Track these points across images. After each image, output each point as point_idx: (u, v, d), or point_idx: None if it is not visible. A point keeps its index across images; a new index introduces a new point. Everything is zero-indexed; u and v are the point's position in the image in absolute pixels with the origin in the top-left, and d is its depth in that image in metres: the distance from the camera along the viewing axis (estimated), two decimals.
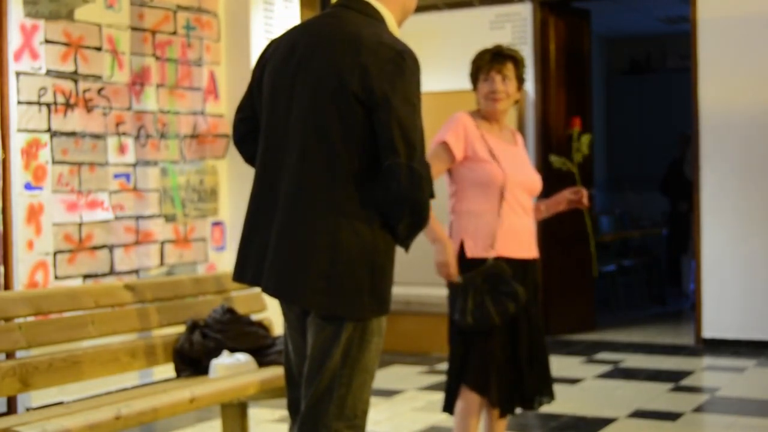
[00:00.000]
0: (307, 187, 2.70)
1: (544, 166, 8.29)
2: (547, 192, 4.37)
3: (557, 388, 6.25)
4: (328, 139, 2.68)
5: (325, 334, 2.73)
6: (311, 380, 2.75)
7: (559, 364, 7.07)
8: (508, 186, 3.82)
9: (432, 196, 2.71)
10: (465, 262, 3.80)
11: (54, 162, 5.30)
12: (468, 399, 3.85)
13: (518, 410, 4.04)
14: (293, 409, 2.93)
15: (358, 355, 2.73)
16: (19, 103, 5.13)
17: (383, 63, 2.64)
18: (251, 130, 2.95)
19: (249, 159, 3.01)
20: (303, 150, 2.72)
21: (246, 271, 2.82)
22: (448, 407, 3.95)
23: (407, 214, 2.66)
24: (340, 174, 2.67)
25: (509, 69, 3.90)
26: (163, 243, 5.98)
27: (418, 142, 2.64)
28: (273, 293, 2.77)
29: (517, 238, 3.86)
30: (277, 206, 2.76)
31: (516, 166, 3.88)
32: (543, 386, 3.96)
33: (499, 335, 3.81)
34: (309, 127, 2.71)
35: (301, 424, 2.79)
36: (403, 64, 2.65)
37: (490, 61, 3.89)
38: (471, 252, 3.81)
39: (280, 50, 2.85)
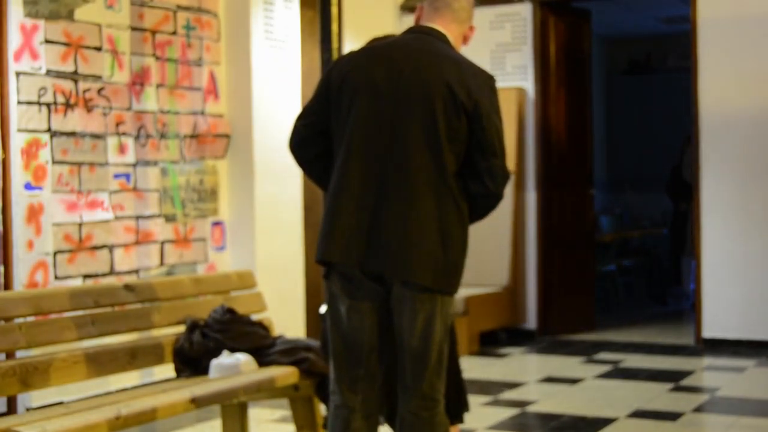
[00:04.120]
0: (417, 176, 3.12)
1: (544, 165, 8.30)
2: None
3: (557, 388, 6.28)
4: (437, 137, 3.11)
5: (426, 310, 3.12)
6: (419, 356, 3.14)
7: (559, 364, 7.07)
8: None
9: None
10: None
11: (54, 162, 5.30)
12: None
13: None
14: (360, 385, 3.22)
15: (450, 327, 3.33)
16: (19, 103, 5.13)
17: (483, 83, 3.19)
18: (312, 135, 3.27)
19: (304, 162, 3.33)
20: (413, 144, 3.13)
21: (351, 252, 3.13)
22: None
23: (491, 206, 3.21)
24: (444, 168, 3.12)
25: None
26: (163, 243, 5.99)
27: (504, 149, 3.21)
28: (385, 270, 3.12)
29: None
30: (384, 195, 3.13)
31: None
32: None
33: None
34: (419, 125, 3.13)
35: (420, 397, 3.16)
36: (494, 86, 3.23)
37: None
38: None
39: (370, 61, 3.23)
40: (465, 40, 3.39)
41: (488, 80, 3.23)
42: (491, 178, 3.15)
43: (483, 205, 3.21)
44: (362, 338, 3.18)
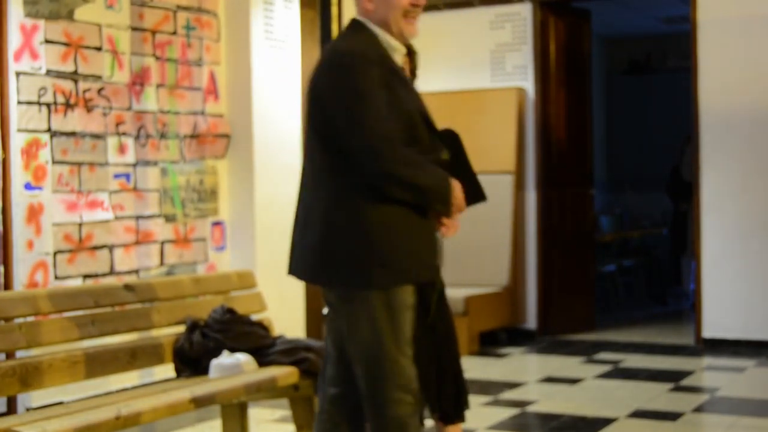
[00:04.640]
0: (304, 171, 3.19)
1: (544, 165, 8.30)
2: None
3: (557, 388, 6.28)
4: (308, 126, 3.14)
5: (345, 310, 3.17)
6: (353, 361, 3.21)
7: (559, 364, 7.07)
8: None
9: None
10: None
11: (54, 162, 5.30)
12: None
13: None
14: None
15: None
16: (19, 103, 5.13)
17: (325, 62, 3.06)
18: None
19: None
20: (306, 141, 3.17)
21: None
22: None
23: (376, 185, 3.06)
24: (314, 160, 3.12)
25: (405, 62, 3.79)
26: (163, 243, 5.99)
27: (356, 126, 3.00)
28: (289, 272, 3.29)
29: None
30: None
31: None
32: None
33: None
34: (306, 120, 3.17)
35: (365, 399, 3.21)
36: (336, 62, 3.02)
37: None
38: None
39: None
40: (406, 14, 3.12)
41: (330, 58, 3.07)
42: (353, 158, 3.00)
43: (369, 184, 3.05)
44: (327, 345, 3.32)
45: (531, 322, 8.29)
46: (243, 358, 4.35)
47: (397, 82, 3.07)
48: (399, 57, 3.17)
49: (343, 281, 3.08)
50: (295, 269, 3.21)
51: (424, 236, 3.13)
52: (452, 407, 3.75)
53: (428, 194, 3.06)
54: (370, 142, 2.95)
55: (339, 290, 3.13)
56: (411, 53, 3.78)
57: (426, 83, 6.64)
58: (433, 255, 3.17)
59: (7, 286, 5.04)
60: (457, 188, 3.12)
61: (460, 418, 3.83)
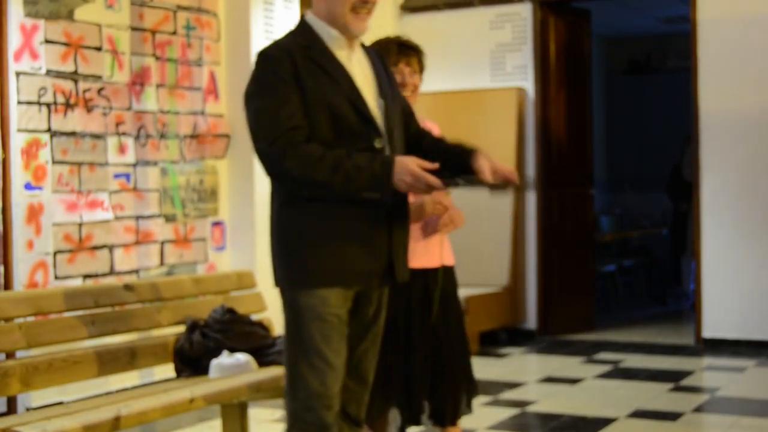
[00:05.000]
0: None
1: (544, 165, 8.30)
2: None
3: (557, 388, 6.28)
4: None
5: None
6: None
7: (559, 364, 7.07)
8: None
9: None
10: None
11: (54, 162, 5.30)
12: None
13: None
14: None
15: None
16: (19, 103, 5.13)
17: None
18: None
19: None
20: None
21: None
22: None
23: (286, 188, 3.00)
24: None
25: (415, 62, 3.76)
26: (163, 243, 5.99)
27: (261, 130, 2.93)
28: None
29: (416, 246, 3.60)
30: None
31: None
32: (452, 398, 3.73)
33: (388, 350, 3.49)
34: None
35: None
36: (257, 61, 2.96)
37: (398, 53, 3.68)
38: None
39: None
40: (354, 9, 2.98)
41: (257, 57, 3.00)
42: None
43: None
44: None
45: (531, 322, 8.29)
46: (243, 358, 4.35)
47: (321, 72, 2.94)
48: (340, 46, 3.02)
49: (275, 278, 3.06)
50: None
51: (351, 239, 2.95)
52: (448, 410, 3.73)
53: (335, 187, 2.86)
54: (262, 144, 2.90)
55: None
56: (418, 52, 3.79)
57: (426, 83, 6.60)
58: (358, 259, 2.96)
59: (7, 286, 5.04)
60: (404, 166, 2.86)
61: (452, 422, 3.78)
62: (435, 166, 2.89)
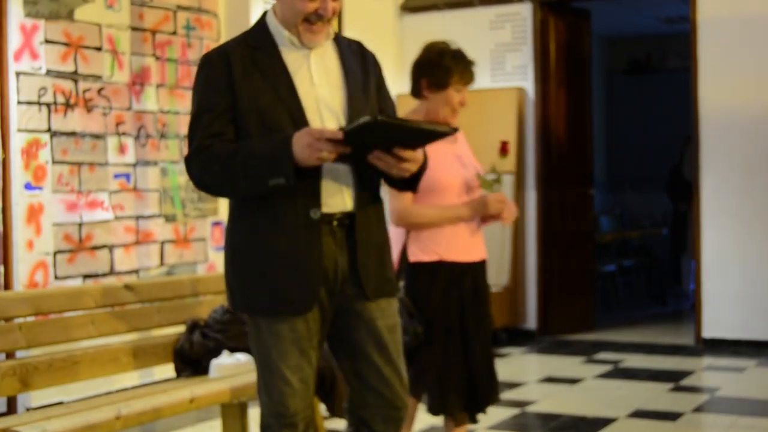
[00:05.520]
0: None
1: (544, 165, 8.30)
2: None
3: (557, 388, 6.28)
4: None
5: None
6: None
7: (559, 364, 7.07)
8: (452, 189, 3.73)
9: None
10: (407, 268, 3.73)
11: (54, 162, 5.30)
12: (410, 405, 3.75)
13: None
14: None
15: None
16: (19, 103, 5.13)
17: None
18: None
19: None
20: None
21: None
22: None
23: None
24: None
25: (469, 76, 3.83)
26: (163, 243, 5.99)
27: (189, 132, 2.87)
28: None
29: (459, 241, 3.76)
30: None
31: (459, 167, 3.78)
32: (492, 391, 3.87)
33: (442, 341, 3.71)
34: None
35: None
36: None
37: (464, 72, 3.75)
38: (414, 256, 3.73)
39: None
40: (308, 21, 2.86)
41: None
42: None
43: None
44: None
45: (531, 322, 8.29)
46: (243, 358, 4.35)
47: (259, 75, 2.82)
48: (293, 47, 2.88)
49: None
50: None
51: (276, 261, 2.77)
52: (467, 407, 3.79)
53: (239, 181, 2.72)
54: (187, 151, 2.86)
55: None
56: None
57: None
58: (285, 286, 2.77)
59: (7, 286, 5.04)
60: (301, 132, 2.66)
61: (472, 419, 3.87)
62: (338, 134, 2.64)
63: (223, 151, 2.76)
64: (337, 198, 2.82)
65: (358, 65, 2.98)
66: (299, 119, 2.79)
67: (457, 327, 3.74)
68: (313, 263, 2.77)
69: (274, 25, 2.91)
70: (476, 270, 3.82)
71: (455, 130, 2.89)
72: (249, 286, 2.82)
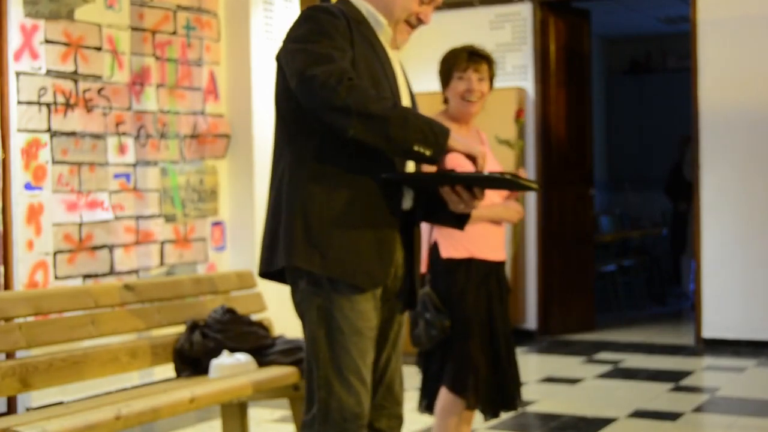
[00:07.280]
0: None
1: (544, 165, 8.30)
2: None
3: (557, 388, 6.27)
4: None
5: None
6: None
7: (559, 364, 7.07)
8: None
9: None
10: (440, 263, 3.79)
11: (54, 162, 5.30)
12: (447, 400, 3.84)
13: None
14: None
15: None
16: (19, 103, 5.13)
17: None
18: None
19: None
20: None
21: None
22: (429, 408, 3.94)
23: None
24: None
25: (484, 69, 3.88)
26: (163, 243, 5.99)
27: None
28: None
29: (488, 239, 3.87)
30: None
31: (497, 167, 3.88)
32: (518, 386, 3.94)
33: (479, 336, 3.78)
34: None
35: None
36: (296, 21, 2.66)
37: (467, 60, 3.85)
38: (446, 252, 3.80)
39: None
40: (407, 19, 2.79)
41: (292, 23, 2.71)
42: None
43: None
44: None
45: (531, 322, 8.29)
46: (243, 358, 4.35)
47: (370, 49, 2.71)
48: (384, 35, 2.79)
49: (282, 262, 2.70)
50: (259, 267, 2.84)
51: (375, 232, 2.66)
52: (493, 402, 3.84)
53: (391, 125, 2.48)
54: (317, 71, 2.50)
55: (287, 280, 2.80)
56: (488, 60, 3.90)
57: (426, 83, 6.63)
58: (376, 260, 2.66)
59: (7, 286, 5.04)
60: (460, 138, 2.58)
61: (495, 415, 3.98)
62: (471, 174, 2.62)
63: (374, 91, 2.56)
64: (407, 196, 2.76)
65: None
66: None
67: (486, 325, 3.81)
68: (393, 251, 2.71)
69: (367, 8, 2.77)
70: (499, 270, 3.91)
71: (540, 187, 2.94)
72: (344, 251, 2.62)
